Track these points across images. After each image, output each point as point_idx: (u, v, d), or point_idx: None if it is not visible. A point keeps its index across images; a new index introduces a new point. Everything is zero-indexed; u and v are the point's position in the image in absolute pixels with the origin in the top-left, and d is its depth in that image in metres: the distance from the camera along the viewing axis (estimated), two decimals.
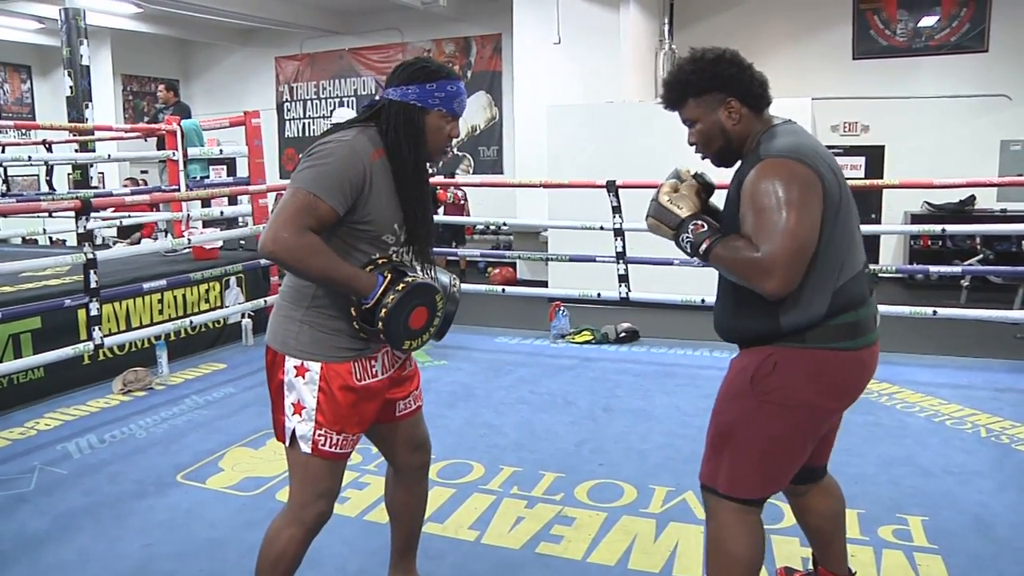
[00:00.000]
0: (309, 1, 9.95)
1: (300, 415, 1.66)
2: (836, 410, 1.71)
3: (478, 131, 10.29)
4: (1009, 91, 7.50)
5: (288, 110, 11.56)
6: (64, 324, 3.99)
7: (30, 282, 4.45)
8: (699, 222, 1.61)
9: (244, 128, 5.68)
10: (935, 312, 4.38)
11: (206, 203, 5.98)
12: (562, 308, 5.27)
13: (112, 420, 3.62)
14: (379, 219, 1.63)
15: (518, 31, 7.90)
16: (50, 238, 8.19)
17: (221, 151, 6.19)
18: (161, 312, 4.65)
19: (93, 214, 4.28)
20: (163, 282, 4.45)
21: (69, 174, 9.04)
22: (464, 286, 5.98)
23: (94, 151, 7.34)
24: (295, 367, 1.65)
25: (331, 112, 10.71)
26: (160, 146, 6.12)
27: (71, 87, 7.85)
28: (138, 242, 7.88)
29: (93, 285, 3.78)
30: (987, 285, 6.87)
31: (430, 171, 1.79)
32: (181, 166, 5.79)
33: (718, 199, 1.73)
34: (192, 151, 5.86)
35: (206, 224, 5.92)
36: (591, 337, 5.09)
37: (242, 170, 6.49)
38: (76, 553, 2.38)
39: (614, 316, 5.32)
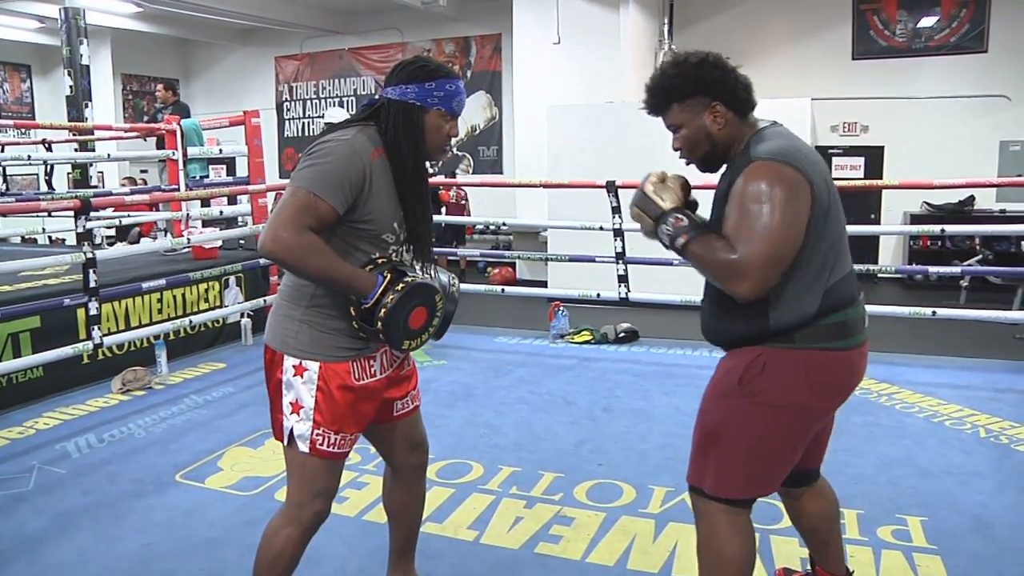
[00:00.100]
0: (309, 1, 9.95)
1: (298, 414, 1.66)
2: (826, 411, 1.71)
3: (478, 131, 10.29)
4: (1008, 92, 7.50)
5: (288, 110, 11.56)
6: (63, 323, 3.99)
7: (29, 281, 4.44)
8: (680, 216, 1.60)
9: (244, 128, 5.68)
10: (934, 312, 4.38)
11: (205, 202, 5.99)
12: (562, 308, 5.27)
13: (111, 419, 3.62)
14: (379, 218, 1.62)
15: (518, 31, 7.90)
16: (49, 237, 8.19)
17: (221, 150, 6.19)
18: (160, 311, 4.65)
19: (92, 214, 4.28)
20: (162, 281, 4.45)
21: (69, 173, 9.03)
22: (464, 286, 5.98)
23: (94, 150, 7.34)
24: (293, 366, 1.65)
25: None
26: (160, 145, 6.13)
27: (71, 86, 7.85)
28: (137, 239, 7.87)
29: (92, 284, 3.78)
30: (986, 285, 6.87)
31: (431, 171, 1.79)
32: (181, 165, 5.79)
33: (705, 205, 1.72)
34: (192, 150, 5.86)
35: (205, 224, 5.92)
36: (590, 337, 5.09)
37: (242, 169, 6.49)
38: (75, 552, 2.38)
39: (614, 316, 5.32)
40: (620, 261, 4.92)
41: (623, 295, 4.96)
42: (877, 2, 7.93)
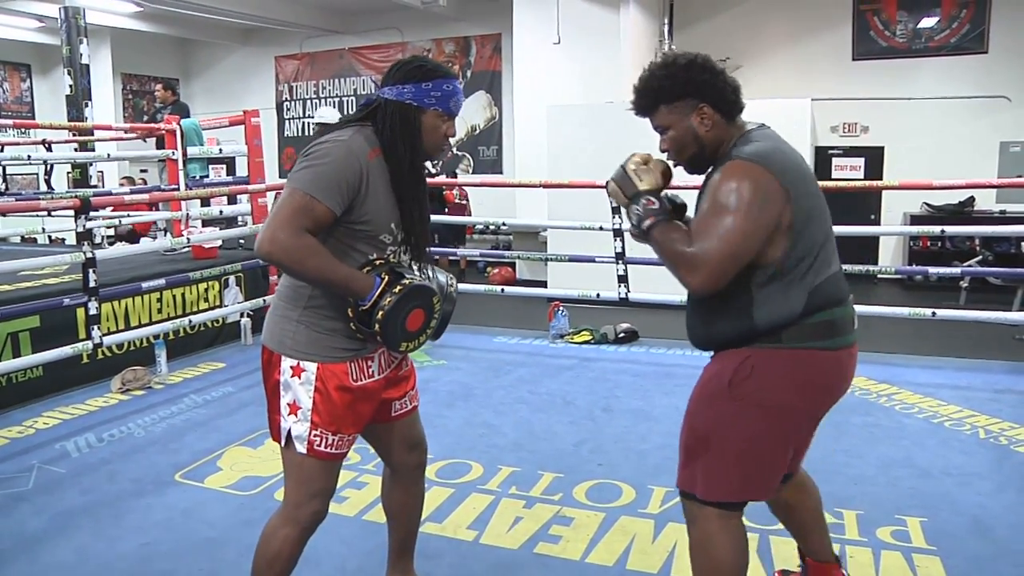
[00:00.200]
0: (309, 1, 9.95)
1: (296, 415, 1.66)
2: (816, 411, 1.70)
3: (478, 131, 10.28)
4: (1009, 92, 7.50)
5: (288, 109, 11.55)
6: (63, 323, 3.99)
7: (29, 281, 4.44)
8: (652, 199, 1.61)
9: (244, 127, 5.68)
10: (934, 313, 4.38)
11: (205, 202, 5.99)
12: (561, 308, 5.27)
13: (111, 419, 3.62)
14: (376, 219, 1.62)
15: (518, 31, 7.90)
16: (49, 237, 8.18)
17: (220, 150, 6.19)
18: (160, 311, 4.65)
19: (92, 213, 4.28)
20: (162, 281, 4.45)
21: (68, 173, 9.03)
22: (464, 286, 5.99)
23: (93, 150, 7.34)
24: (291, 367, 1.65)
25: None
26: (160, 145, 6.12)
27: (71, 86, 7.85)
28: (131, 235, 7.86)
29: (92, 284, 3.78)
30: (986, 286, 6.87)
31: (432, 171, 1.79)
32: (181, 165, 5.79)
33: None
34: (192, 150, 5.86)
35: (205, 223, 5.92)
36: (590, 337, 5.09)
37: (241, 169, 6.50)
38: (74, 552, 2.37)
39: (613, 316, 5.32)
40: (620, 261, 4.92)
41: (623, 295, 4.96)
42: (877, 3, 7.93)
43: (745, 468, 1.64)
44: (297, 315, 1.65)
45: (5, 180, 6.55)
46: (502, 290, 5.77)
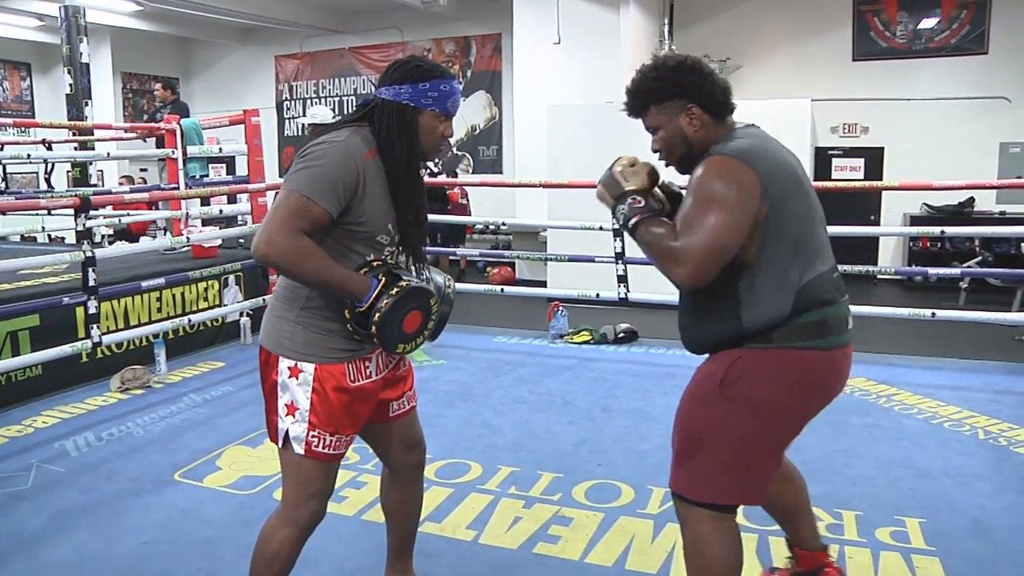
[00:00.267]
0: (309, 0, 9.95)
1: (293, 416, 1.65)
2: (809, 411, 1.70)
3: (478, 131, 10.28)
4: (1009, 93, 7.50)
5: (288, 109, 11.55)
6: (62, 322, 3.99)
7: (28, 280, 4.44)
8: (638, 197, 1.63)
9: (244, 126, 5.68)
10: (934, 314, 4.38)
11: (205, 201, 5.99)
12: (561, 308, 5.27)
13: (110, 418, 3.62)
14: (373, 220, 1.62)
15: (518, 31, 7.90)
16: (49, 236, 8.18)
17: (220, 149, 6.19)
18: (159, 310, 4.65)
19: (92, 212, 4.28)
20: (162, 280, 4.44)
21: (68, 172, 9.03)
22: (463, 286, 5.99)
23: (93, 149, 7.34)
24: (289, 368, 1.65)
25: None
26: (160, 144, 6.12)
27: (71, 85, 7.84)
28: (125, 233, 7.86)
29: (91, 283, 3.78)
30: (986, 287, 6.87)
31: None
32: (180, 164, 5.79)
33: None
34: (192, 149, 5.86)
35: (205, 222, 5.92)
36: (590, 337, 5.09)
37: (241, 168, 6.49)
38: (73, 551, 2.37)
39: (613, 316, 5.32)
40: (619, 261, 4.92)
41: (622, 295, 4.96)
42: (878, 3, 7.93)
43: (737, 469, 1.64)
44: (294, 316, 1.65)
45: (5, 179, 6.54)
46: (502, 290, 5.77)
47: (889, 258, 8.00)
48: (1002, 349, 4.80)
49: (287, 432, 1.67)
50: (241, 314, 5.10)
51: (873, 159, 7.99)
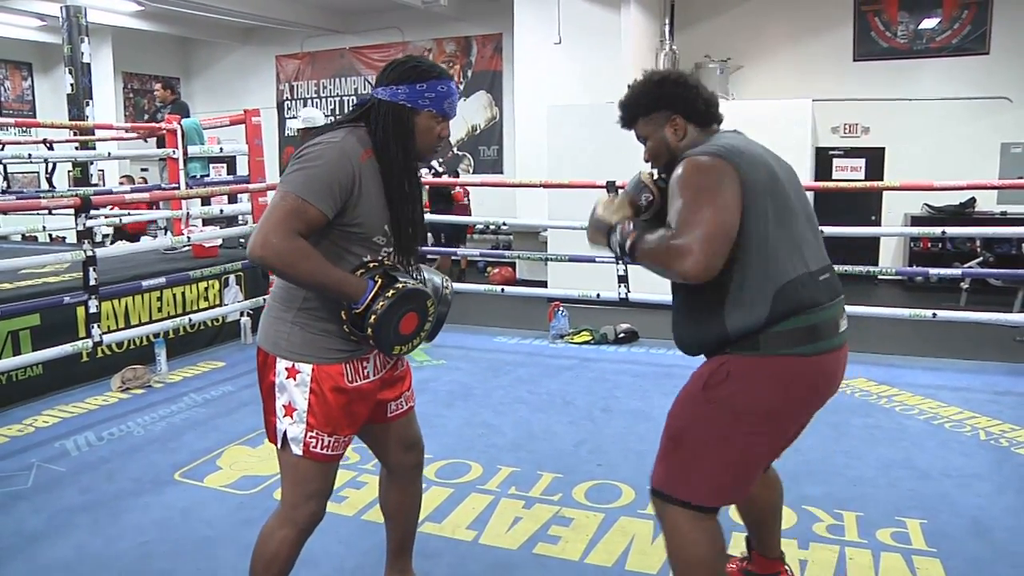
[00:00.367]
0: (310, 0, 9.95)
1: (291, 417, 1.65)
2: (796, 417, 1.71)
3: (478, 131, 10.28)
4: (1010, 93, 7.50)
5: (288, 108, 11.55)
6: (63, 321, 3.99)
7: (29, 279, 4.45)
8: (626, 224, 1.69)
9: (244, 126, 5.68)
10: (935, 315, 4.37)
11: (206, 201, 5.99)
12: (561, 308, 5.27)
13: (110, 418, 3.62)
14: (369, 221, 1.61)
15: (519, 31, 7.90)
16: (50, 235, 8.18)
17: (221, 149, 6.19)
18: (160, 310, 4.65)
19: (92, 212, 4.28)
20: (162, 280, 4.45)
21: (69, 171, 9.03)
22: (464, 286, 5.98)
23: (94, 149, 7.34)
24: (286, 369, 1.64)
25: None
26: (160, 144, 6.12)
27: (72, 84, 7.85)
28: (122, 232, 7.86)
29: (92, 282, 3.78)
30: (987, 288, 6.86)
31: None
32: (181, 164, 5.79)
33: None
34: (192, 149, 5.86)
35: (206, 222, 5.92)
36: (590, 337, 5.09)
37: (242, 168, 6.49)
38: (73, 550, 2.37)
39: (613, 317, 5.31)
40: (620, 262, 4.92)
41: (623, 295, 4.95)
42: (878, 3, 7.93)
43: (713, 471, 1.65)
44: (291, 316, 1.65)
45: (6, 178, 6.55)
46: (502, 290, 5.77)
47: (890, 258, 7.99)
48: (1003, 350, 4.80)
49: (285, 433, 1.66)
50: (241, 314, 5.10)
51: (874, 159, 7.99)
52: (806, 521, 2.51)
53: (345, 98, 11.07)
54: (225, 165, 7.03)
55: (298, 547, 1.72)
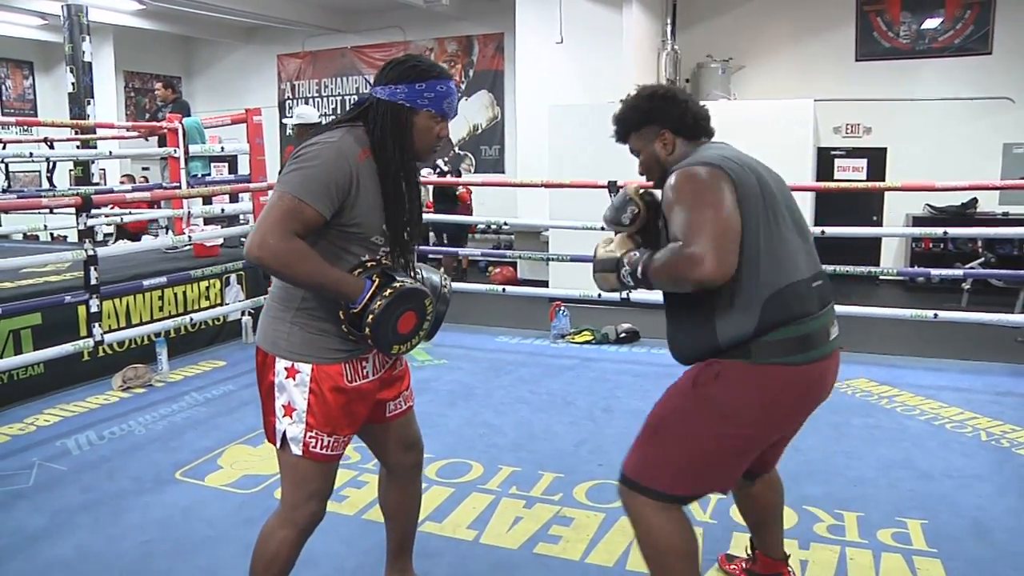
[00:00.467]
0: None
1: (291, 417, 1.65)
2: (783, 424, 1.72)
3: (480, 130, 10.28)
4: (1012, 94, 7.49)
5: (290, 108, 11.54)
6: (64, 320, 3.99)
7: (31, 278, 4.45)
8: (632, 254, 1.70)
9: (246, 125, 5.68)
10: (936, 315, 4.37)
11: (207, 200, 5.99)
12: (563, 308, 5.26)
13: (111, 417, 3.62)
14: (367, 221, 1.60)
15: (520, 30, 7.89)
16: (51, 234, 8.19)
17: (222, 148, 6.19)
18: (161, 309, 4.65)
19: (94, 211, 4.27)
20: (163, 279, 4.45)
21: (71, 170, 9.04)
22: (465, 285, 5.98)
23: (95, 148, 7.35)
24: (285, 369, 1.64)
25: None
26: (162, 143, 6.12)
27: (73, 83, 7.85)
28: (126, 230, 7.87)
29: (93, 282, 3.78)
30: (988, 288, 6.85)
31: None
32: (182, 163, 5.79)
33: None
34: (194, 148, 5.86)
35: (207, 221, 5.92)
36: (591, 337, 5.09)
37: (243, 167, 6.50)
38: (74, 549, 2.38)
39: (614, 316, 5.31)
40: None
41: (624, 296, 4.95)
42: (881, 3, 7.92)
43: (684, 464, 1.66)
44: (290, 316, 1.64)
45: (8, 177, 6.56)
46: (503, 290, 5.77)
47: (891, 259, 7.99)
48: (1004, 350, 4.79)
49: (285, 433, 1.66)
50: (243, 313, 5.10)
51: (876, 159, 7.98)
52: (807, 521, 2.51)
53: (346, 97, 11.08)
54: (226, 164, 7.03)
55: (298, 547, 1.72)
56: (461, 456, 3.10)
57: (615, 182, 4.78)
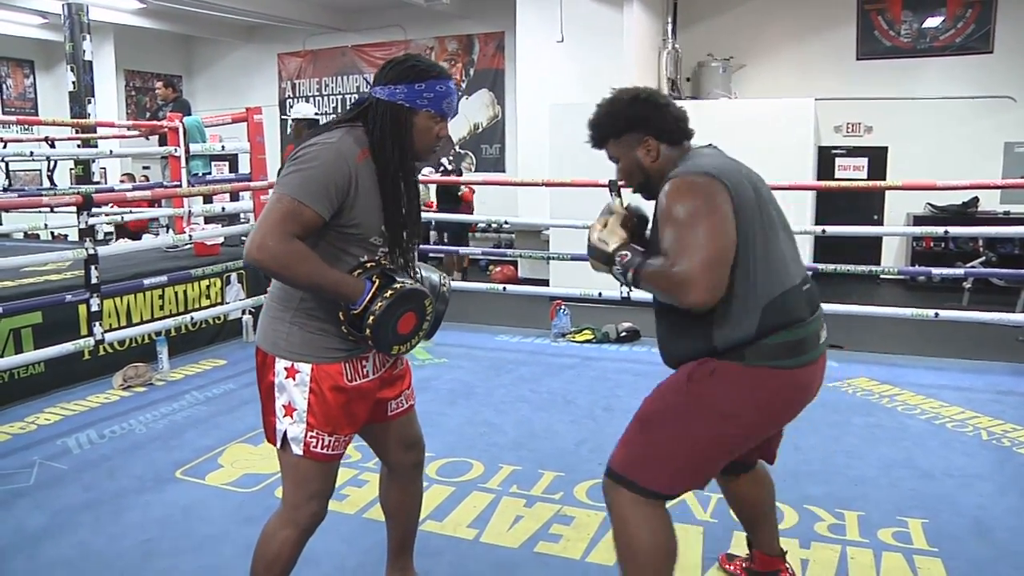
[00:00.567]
0: None
1: (291, 417, 1.65)
2: (771, 426, 1.73)
3: (480, 129, 10.28)
4: (1014, 93, 7.48)
5: (290, 107, 11.55)
6: (65, 319, 3.99)
7: (31, 277, 4.45)
8: (624, 252, 1.66)
9: (246, 124, 5.68)
10: (937, 314, 4.36)
11: (208, 199, 5.99)
12: (563, 307, 5.26)
13: (112, 416, 3.62)
14: (366, 221, 1.60)
15: (521, 29, 7.89)
16: (52, 233, 8.19)
17: (223, 147, 6.19)
18: (162, 308, 4.65)
19: (94, 210, 4.28)
20: (164, 278, 4.45)
21: (71, 169, 9.04)
22: (465, 284, 5.97)
23: (96, 147, 7.35)
24: (285, 368, 1.64)
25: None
26: (162, 142, 6.13)
27: (74, 82, 7.86)
28: (127, 229, 7.87)
29: (94, 280, 3.78)
30: (989, 287, 6.85)
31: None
32: (183, 162, 5.79)
33: None
34: (194, 147, 5.86)
35: (208, 220, 5.92)
36: (592, 336, 5.08)
37: (244, 166, 6.50)
38: (75, 548, 2.38)
39: (615, 315, 5.31)
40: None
41: (625, 294, 4.95)
42: (882, 2, 7.91)
43: (673, 460, 1.66)
44: (290, 316, 1.64)
45: (8, 176, 6.55)
46: (504, 289, 5.77)
47: (892, 258, 7.99)
48: (1005, 350, 4.79)
49: (285, 433, 1.66)
50: (243, 312, 5.10)
51: (877, 158, 7.98)
52: (807, 520, 2.51)
53: (347, 96, 11.08)
54: (227, 163, 7.03)
55: (299, 547, 1.72)
56: (462, 455, 3.10)
57: (615, 181, 4.77)
